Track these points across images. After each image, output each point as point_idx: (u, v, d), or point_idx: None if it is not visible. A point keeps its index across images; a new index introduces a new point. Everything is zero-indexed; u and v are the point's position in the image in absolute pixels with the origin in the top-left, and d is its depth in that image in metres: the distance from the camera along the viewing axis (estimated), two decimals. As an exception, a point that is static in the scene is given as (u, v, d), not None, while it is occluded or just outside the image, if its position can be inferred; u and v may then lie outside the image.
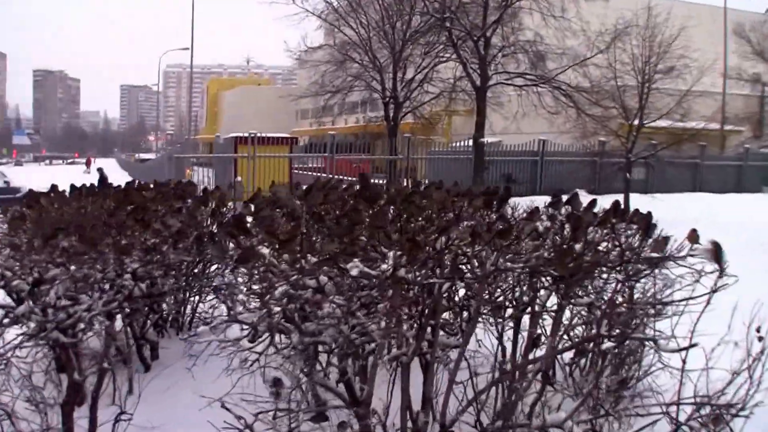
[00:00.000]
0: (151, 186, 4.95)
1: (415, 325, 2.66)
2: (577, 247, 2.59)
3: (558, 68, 14.67)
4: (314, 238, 2.61)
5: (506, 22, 14.60)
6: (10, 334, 2.81)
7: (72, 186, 4.64)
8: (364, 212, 2.77)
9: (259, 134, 16.55)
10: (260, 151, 16.28)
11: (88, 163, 57.87)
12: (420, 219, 2.83)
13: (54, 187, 4.50)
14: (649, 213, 3.13)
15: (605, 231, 2.94)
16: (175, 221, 3.03)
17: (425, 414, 2.71)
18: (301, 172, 17.69)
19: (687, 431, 2.48)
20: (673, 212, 9.43)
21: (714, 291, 2.46)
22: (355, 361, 2.60)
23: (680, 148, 15.32)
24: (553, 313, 2.87)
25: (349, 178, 16.62)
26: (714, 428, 2.41)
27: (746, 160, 21.30)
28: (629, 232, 3.09)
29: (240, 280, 2.82)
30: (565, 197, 3.24)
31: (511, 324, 3.16)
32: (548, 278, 2.78)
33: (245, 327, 2.40)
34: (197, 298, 4.67)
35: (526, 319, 2.98)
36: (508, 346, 3.19)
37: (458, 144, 18.82)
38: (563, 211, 3.16)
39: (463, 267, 2.64)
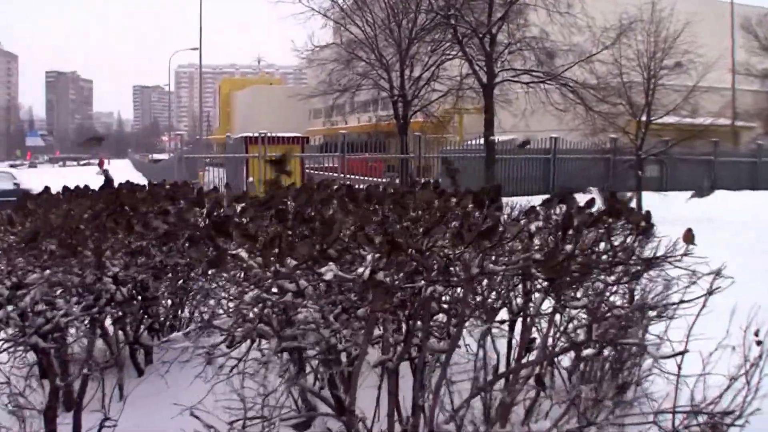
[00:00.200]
0: (147, 187, 4.90)
1: (403, 328, 2.58)
2: (568, 248, 2.49)
3: (564, 65, 14.52)
4: (296, 241, 2.54)
5: (512, 18, 14.46)
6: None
7: (65, 187, 4.61)
8: (349, 213, 2.70)
9: (269, 134, 16.50)
10: (271, 151, 16.12)
11: (101, 165, 58.29)
12: (406, 220, 2.75)
13: (46, 189, 4.47)
14: (648, 212, 3.04)
15: (601, 231, 2.84)
16: (160, 223, 2.97)
17: (415, 419, 2.63)
18: (314, 172, 17.58)
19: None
20: (685, 211, 9.28)
21: (710, 293, 2.37)
22: (335, 367, 2.53)
23: (692, 145, 15.10)
24: (547, 317, 2.79)
25: (363, 178, 16.64)
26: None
27: (760, 157, 21.01)
28: (626, 231, 3.00)
29: (220, 284, 2.76)
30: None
31: (505, 328, 3.08)
32: (539, 281, 2.69)
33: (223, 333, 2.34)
34: (195, 301, 4.61)
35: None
36: (502, 350, 3.11)
37: (472, 142, 18.60)
38: (557, 210, 3.07)
39: (452, 269, 2.56)
